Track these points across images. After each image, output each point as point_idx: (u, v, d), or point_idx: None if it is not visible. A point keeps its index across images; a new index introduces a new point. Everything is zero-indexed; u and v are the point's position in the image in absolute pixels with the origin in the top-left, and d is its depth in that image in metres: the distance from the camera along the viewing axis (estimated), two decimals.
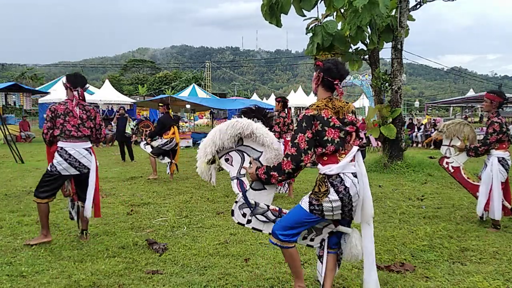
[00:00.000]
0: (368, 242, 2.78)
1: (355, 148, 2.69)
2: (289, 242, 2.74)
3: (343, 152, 2.66)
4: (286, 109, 7.01)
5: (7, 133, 12.14)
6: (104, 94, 28.05)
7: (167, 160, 8.43)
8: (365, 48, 9.63)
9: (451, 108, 48.23)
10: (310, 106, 2.70)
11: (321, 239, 2.93)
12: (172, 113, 9.08)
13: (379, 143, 11.63)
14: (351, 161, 2.67)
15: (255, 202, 2.85)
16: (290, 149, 2.62)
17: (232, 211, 2.90)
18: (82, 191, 4.34)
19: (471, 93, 41.68)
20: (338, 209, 2.63)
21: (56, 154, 4.16)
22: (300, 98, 41.07)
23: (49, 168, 4.19)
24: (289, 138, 6.46)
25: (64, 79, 4.36)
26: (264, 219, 2.86)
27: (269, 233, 2.84)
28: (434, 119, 21.18)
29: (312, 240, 2.93)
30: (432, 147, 16.66)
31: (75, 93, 4.21)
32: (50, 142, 4.24)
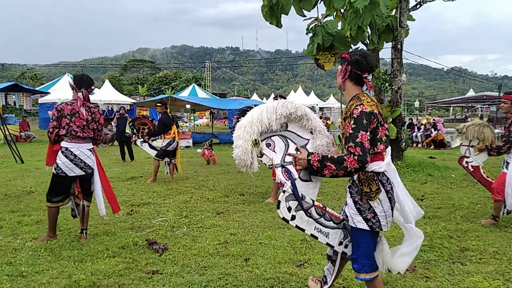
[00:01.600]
0: (387, 246, 2.63)
1: (389, 148, 2.54)
2: (373, 272, 2.53)
3: (385, 150, 2.49)
4: None
5: (7, 133, 12.14)
6: (104, 94, 28.05)
7: (166, 159, 8.41)
8: (365, 48, 9.63)
9: (451, 108, 48.26)
10: (358, 102, 2.41)
11: (345, 245, 2.67)
12: (170, 112, 9.03)
13: None
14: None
15: (301, 195, 2.53)
16: (356, 149, 2.31)
17: (279, 202, 2.51)
18: (87, 191, 4.40)
19: (471, 93, 41.67)
20: (390, 214, 2.47)
21: (60, 155, 4.18)
22: (300, 98, 41.09)
23: (54, 171, 4.21)
24: None
25: (70, 79, 4.40)
26: (308, 216, 2.54)
27: (355, 271, 2.57)
28: (433, 119, 21.16)
29: (346, 246, 2.66)
30: (432, 147, 16.66)
31: (80, 94, 4.24)
32: (55, 141, 4.25)
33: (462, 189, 7.32)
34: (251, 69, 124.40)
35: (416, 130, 18.65)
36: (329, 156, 2.44)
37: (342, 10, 9.23)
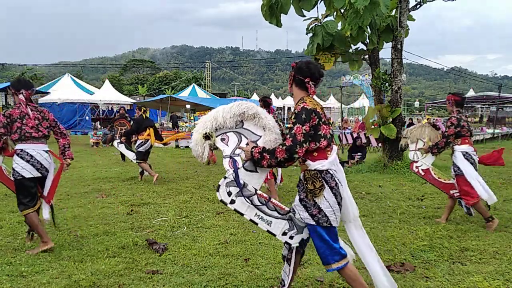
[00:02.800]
0: (361, 244, 2.78)
1: (335, 146, 2.76)
2: (340, 259, 2.65)
3: (329, 148, 2.68)
4: (269, 108, 7.18)
5: None
6: (104, 94, 28.07)
7: (133, 156, 8.53)
8: (365, 48, 9.63)
9: None
10: (303, 100, 2.67)
11: (301, 239, 2.80)
12: (146, 115, 9.29)
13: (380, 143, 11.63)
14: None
15: (243, 183, 2.76)
16: (287, 139, 2.57)
17: (218, 186, 2.77)
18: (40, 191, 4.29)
19: (471, 93, 41.62)
20: (337, 210, 2.62)
21: (16, 158, 4.05)
22: None
23: (12, 177, 4.09)
24: None
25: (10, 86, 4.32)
26: (249, 202, 2.76)
27: (324, 264, 2.71)
28: (434, 119, 21.16)
29: (291, 238, 2.80)
30: None
31: (21, 96, 4.18)
32: (1, 148, 4.19)
33: None
34: (251, 69, 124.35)
35: None
36: (268, 148, 2.67)
37: (342, 10, 9.23)
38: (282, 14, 8.91)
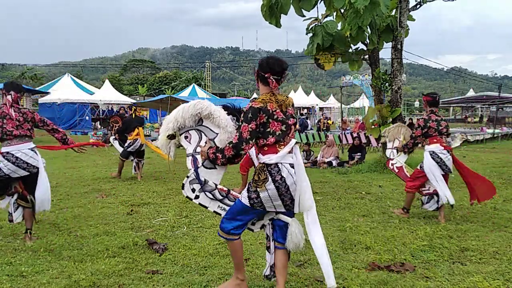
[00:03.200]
0: (312, 229, 2.92)
1: (293, 140, 2.86)
2: (235, 235, 2.91)
3: (282, 144, 2.81)
4: None
5: None
6: (104, 94, 28.08)
7: (131, 158, 8.62)
8: (365, 48, 9.63)
9: (451, 108, 48.27)
10: (255, 99, 2.82)
11: (262, 225, 3.08)
12: (136, 115, 9.35)
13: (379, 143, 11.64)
14: (289, 152, 2.82)
15: (204, 179, 3.02)
16: (234, 137, 2.80)
17: (183, 185, 3.07)
18: (32, 189, 4.37)
19: (471, 93, 41.63)
20: (277, 199, 2.79)
21: (2, 159, 4.20)
22: (300, 98, 41.09)
23: None
24: None
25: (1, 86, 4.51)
26: (211, 197, 3.03)
27: (219, 228, 2.97)
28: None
29: (253, 224, 3.08)
30: None
31: (9, 97, 4.31)
32: None
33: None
34: (251, 69, 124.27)
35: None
36: (220, 147, 2.87)
37: (342, 10, 9.23)
38: (282, 15, 8.92)
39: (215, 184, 3.05)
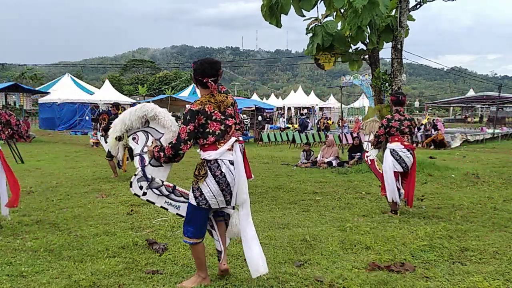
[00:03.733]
0: (244, 221, 3.09)
1: (233, 138, 3.03)
2: (196, 238, 3.06)
3: (222, 141, 2.99)
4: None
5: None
6: (104, 94, 28.05)
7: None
8: (365, 48, 9.63)
9: (451, 108, 48.27)
10: (194, 101, 2.99)
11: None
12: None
13: None
14: (229, 150, 2.99)
15: (151, 177, 3.21)
16: (174, 138, 3.00)
17: (131, 183, 3.23)
18: None
19: (471, 93, 41.62)
20: (219, 195, 2.97)
21: None
22: (300, 98, 41.11)
23: None
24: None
25: None
26: (158, 193, 3.22)
27: (183, 234, 3.10)
28: (433, 119, 21.15)
29: (212, 227, 3.29)
30: (432, 147, 16.67)
31: None
32: None
33: (462, 189, 7.32)
34: (251, 69, 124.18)
35: (416, 130, 18.65)
36: (162, 148, 3.03)
37: (342, 10, 9.23)
38: (282, 15, 8.92)
39: (161, 180, 3.23)
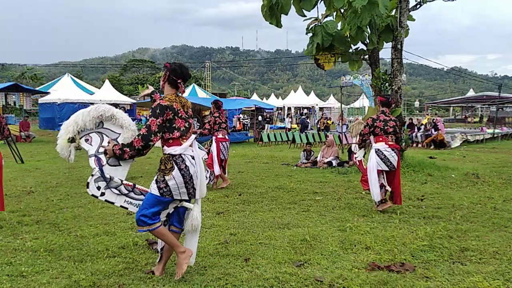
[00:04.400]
0: (196, 213, 3.28)
1: (193, 136, 3.25)
2: (154, 224, 3.14)
3: (185, 138, 3.18)
4: (220, 110, 7.62)
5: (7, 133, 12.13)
6: (104, 94, 28.01)
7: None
8: (365, 48, 9.63)
9: (451, 108, 48.29)
10: (163, 97, 3.15)
11: (167, 213, 3.30)
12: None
13: None
14: (190, 146, 3.19)
15: (110, 177, 3.20)
16: (142, 129, 3.07)
17: (88, 183, 3.22)
18: None
19: (471, 93, 41.60)
20: (183, 187, 3.13)
21: None
22: (300, 98, 41.06)
23: None
24: (220, 136, 7.37)
25: None
26: (117, 192, 3.25)
27: (137, 225, 3.18)
28: (434, 119, 21.14)
29: (159, 213, 3.26)
30: (432, 147, 16.66)
31: None
32: None
33: (462, 189, 7.32)
34: (251, 69, 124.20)
35: (416, 130, 18.64)
36: (127, 143, 3.12)
37: (342, 10, 9.24)
38: (282, 15, 8.92)
39: (120, 180, 3.24)
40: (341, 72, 52.19)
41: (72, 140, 3.26)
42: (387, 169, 5.60)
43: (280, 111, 40.19)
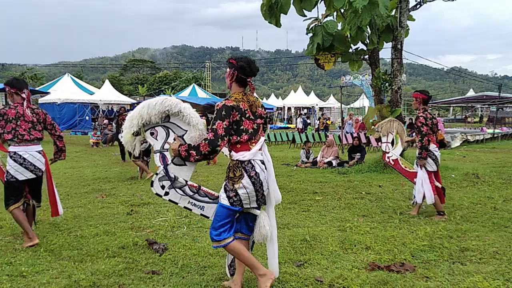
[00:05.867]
0: (272, 221, 3.06)
1: (262, 138, 3.00)
2: (226, 239, 2.91)
3: (253, 141, 2.92)
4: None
5: None
6: (104, 94, 28.07)
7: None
8: (365, 48, 9.63)
9: (451, 108, 48.28)
10: (229, 97, 2.89)
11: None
12: None
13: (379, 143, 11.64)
14: (259, 150, 2.94)
15: (174, 176, 3.03)
16: (209, 134, 2.79)
17: (152, 182, 3.04)
18: (37, 193, 4.38)
19: (471, 93, 41.60)
20: (253, 195, 2.90)
21: (9, 160, 4.10)
22: (300, 98, 41.08)
23: (6, 178, 4.15)
24: None
25: (5, 87, 4.24)
26: (182, 193, 3.05)
27: (211, 239, 2.96)
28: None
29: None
30: None
31: (23, 95, 4.16)
32: None
33: (462, 189, 7.32)
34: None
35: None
36: (193, 145, 2.86)
37: (342, 10, 9.23)
38: (282, 14, 8.92)
39: (185, 180, 3.06)
40: (341, 72, 52.23)
41: (137, 133, 3.06)
42: (435, 169, 5.33)
43: (280, 111, 40.18)
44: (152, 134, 3.09)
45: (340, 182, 8.17)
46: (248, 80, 2.94)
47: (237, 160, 2.89)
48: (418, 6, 9.75)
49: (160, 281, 3.30)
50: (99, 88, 32.22)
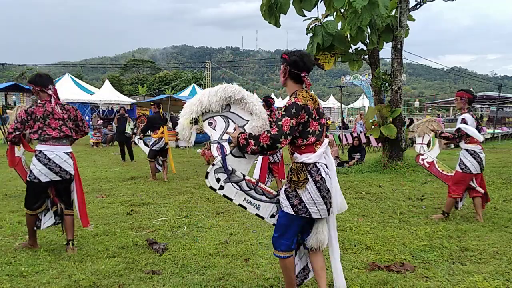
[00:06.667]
0: (332, 230, 2.81)
1: (327, 140, 2.77)
2: (288, 252, 2.72)
3: (319, 143, 2.70)
4: (271, 108, 7.03)
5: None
6: (104, 94, 28.05)
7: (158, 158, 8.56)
8: (365, 48, 9.62)
9: (451, 108, 48.25)
10: (297, 95, 2.65)
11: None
12: (163, 112, 9.30)
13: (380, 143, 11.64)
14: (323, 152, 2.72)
15: (232, 169, 2.81)
16: (273, 128, 2.58)
17: (207, 173, 2.83)
18: (66, 198, 4.11)
19: None
20: (321, 202, 2.64)
21: (34, 159, 3.87)
22: None
23: (28, 178, 3.91)
24: None
25: (29, 84, 4.03)
26: (238, 188, 2.83)
27: (273, 247, 2.77)
28: (434, 118, 21.15)
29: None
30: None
31: (50, 92, 3.91)
32: (13, 142, 3.95)
33: None
34: (251, 69, 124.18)
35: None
36: (254, 134, 2.65)
37: (342, 10, 9.23)
38: (281, 14, 8.92)
39: (242, 174, 2.83)
40: (341, 72, 52.22)
41: (195, 121, 2.85)
42: (480, 172, 5.07)
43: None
44: (210, 124, 2.90)
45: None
46: (303, 75, 2.70)
47: (301, 162, 2.65)
48: (418, 6, 9.76)
49: (160, 281, 3.30)
50: (99, 88, 32.19)
